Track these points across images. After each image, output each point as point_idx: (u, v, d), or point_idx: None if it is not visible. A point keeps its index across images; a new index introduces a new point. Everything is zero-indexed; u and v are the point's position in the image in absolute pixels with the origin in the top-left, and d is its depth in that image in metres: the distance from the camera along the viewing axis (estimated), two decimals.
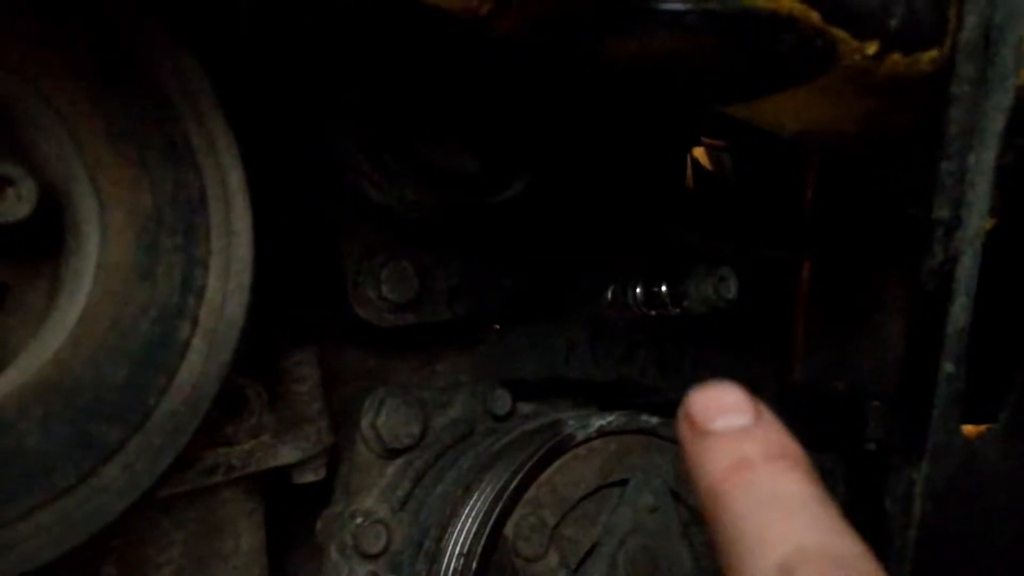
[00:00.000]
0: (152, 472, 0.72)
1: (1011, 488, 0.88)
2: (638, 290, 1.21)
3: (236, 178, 0.76)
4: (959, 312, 0.76)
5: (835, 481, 1.49)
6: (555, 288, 1.21)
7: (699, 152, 1.61)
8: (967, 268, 0.74)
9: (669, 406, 1.32)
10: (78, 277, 0.72)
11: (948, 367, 0.77)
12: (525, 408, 1.20)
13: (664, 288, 1.18)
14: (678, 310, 1.18)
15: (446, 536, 1.02)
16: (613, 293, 1.23)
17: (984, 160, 0.71)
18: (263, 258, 0.88)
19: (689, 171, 1.48)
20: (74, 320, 0.71)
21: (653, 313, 1.21)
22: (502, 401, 1.17)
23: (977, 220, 0.72)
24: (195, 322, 0.74)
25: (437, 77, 0.93)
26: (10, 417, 0.67)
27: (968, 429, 1.20)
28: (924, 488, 0.76)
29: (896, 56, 0.71)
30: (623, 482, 1.07)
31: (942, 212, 0.72)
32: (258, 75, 0.90)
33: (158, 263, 0.72)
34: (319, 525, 1.09)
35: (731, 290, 1.14)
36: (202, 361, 0.74)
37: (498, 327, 1.22)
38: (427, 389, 1.15)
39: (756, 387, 1.46)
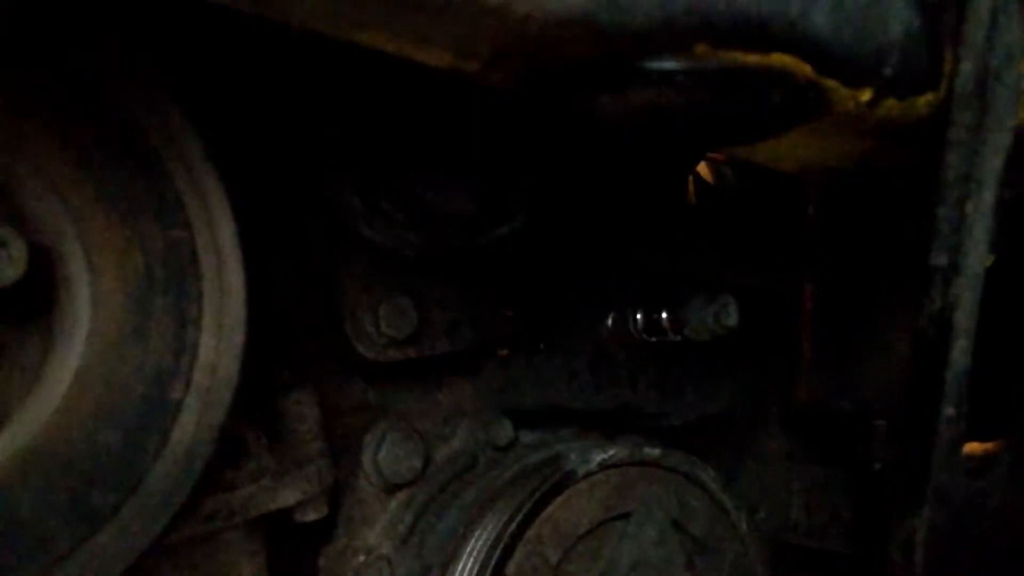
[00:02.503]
0: (148, 534, 0.72)
1: (1019, 526, 0.87)
2: (638, 317, 1.20)
3: (228, 235, 0.75)
4: (959, 356, 0.75)
5: (842, 498, 1.48)
6: (555, 317, 1.20)
7: (701, 167, 1.60)
8: (966, 312, 0.74)
9: (673, 431, 1.32)
10: (70, 339, 0.71)
11: (949, 410, 0.76)
12: (528, 437, 1.20)
13: (664, 315, 1.17)
14: (679, 337, 1.17)
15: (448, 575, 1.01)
16: (614, 320, 1.22)
17: (982, 205, 0.71)
18: (258, 298, 0.88)
19: (691, 186, 1.47)
20: (67, 383, 0.70)
21: (654, 340, 1.20)
22: (504, 431, 1.17)
23: (975, 266, 0.72)
24: (188, 382, 0.73)
25: (430, 121, 0.93)
26: (6, 486, 0.67)
27: (974, 447, 1.19)
28: (927, 534, 0.75)
29: (891, 102, 0.70)
30: (626, 515, 1.07)
31: (940, 259, 0.71)
32: (252, 123, 0.90)
33: (150, 324, 0.72)
34: (321, 562, 1.09)
35: (732, 317, 1.13)
36: (196, 421, 0.74)
37: (505, 352, 1.21)
38: (428, 421, 1.14)
39: (761, 408, 1.46)
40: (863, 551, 1.46)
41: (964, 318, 0.73)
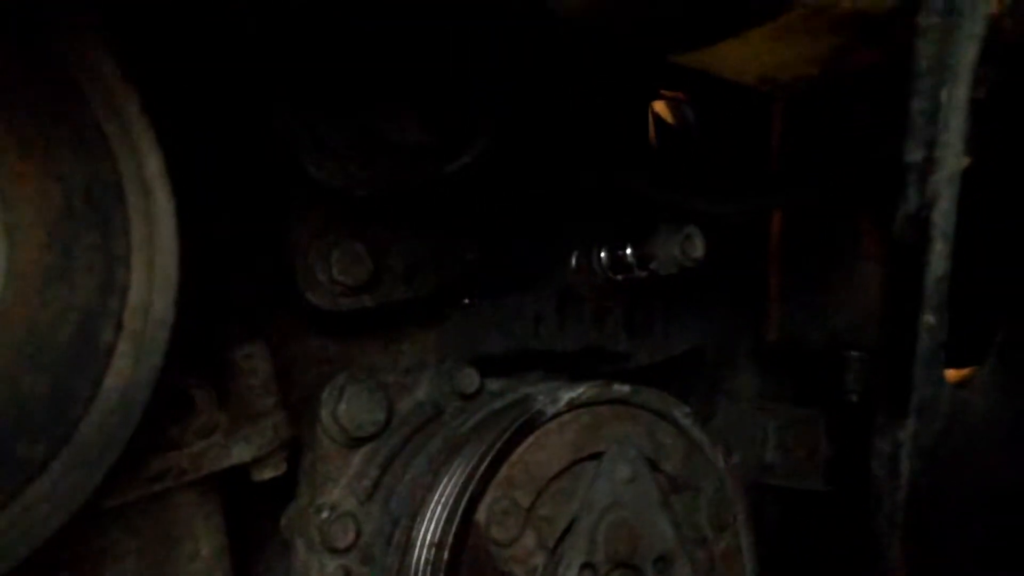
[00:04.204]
0: (85, 487, 0.67)
1: (1004, 434, 0.84)
2: (603, 255, 1.16)
3: (155, 164, 0.70)
4: (938, 259, 0.71)
5: (818, 435, 1.46)
6: (518, 259, 1.16)
7: (660, 107, 1.56)
8: (944, 211, 0.70)
9: (641, 371, 1.29)
10: None
11: (929, 318, 0.73)
12: (494, 385, 1.15)
13: (629, 251, 1.13)
14: (645, 273, 1.13)
15: (416, 525, 0.97)
16: (578, 260, 1.18)
17: (957, 96, 0.67)
18: (204, 248, 0.82)
19: (651, 127, 1.43)
20: None
21: (620, 277, 1.16)
22: (469, 379, 1.12)
23: (953, 160, 0.68)
24: (119, 324, 0.68)
25: (378, 42, 0.87)
26: None
27: (952, 374, 1.16)
28: (912, 446, 0.71)
29: None
30: (598, 455, 1.03)
31: (915, 154, 0.67)
32: (194, 53, 0.84)
33: (74, 262, 0.66)
34: (284, 521, 1.05)
35: (698, 248, 1.09)
36: (130, 366, 0.68)
37: (468, 301, 1.17)
38: (391, 372, 1.10)
39: (731, 345, 1.42)
40: (841, 488, 1.44)
41: (942, 218, 0.69)
